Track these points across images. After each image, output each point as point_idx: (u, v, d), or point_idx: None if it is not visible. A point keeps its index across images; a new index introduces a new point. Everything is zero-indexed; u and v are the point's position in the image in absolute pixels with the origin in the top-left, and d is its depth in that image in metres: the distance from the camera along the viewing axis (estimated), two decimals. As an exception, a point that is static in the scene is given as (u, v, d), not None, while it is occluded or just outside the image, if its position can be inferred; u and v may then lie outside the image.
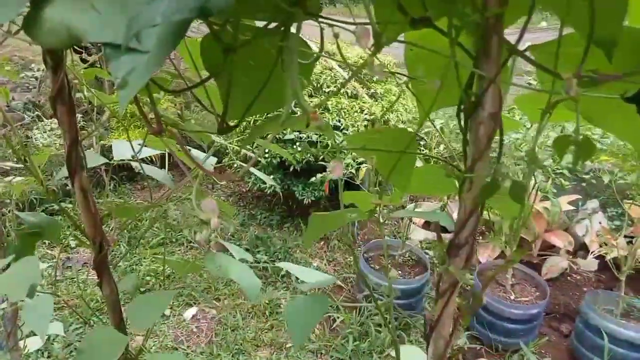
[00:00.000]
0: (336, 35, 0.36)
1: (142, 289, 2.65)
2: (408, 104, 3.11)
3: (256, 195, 3.80)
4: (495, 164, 0.40)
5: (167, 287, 2.69)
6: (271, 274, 2.89)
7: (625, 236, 2.42)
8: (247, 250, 3.13)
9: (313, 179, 2.57)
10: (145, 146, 0.77)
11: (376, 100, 2.93)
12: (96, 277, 0.75)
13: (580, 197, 2.97)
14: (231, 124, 0.57)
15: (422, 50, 0.57)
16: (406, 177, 0.65)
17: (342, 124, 2.73)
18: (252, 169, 1.15)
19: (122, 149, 0.71)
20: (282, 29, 0.43)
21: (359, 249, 2.98)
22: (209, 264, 0.85)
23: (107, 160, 0.70)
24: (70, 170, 0.67)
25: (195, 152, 0.78)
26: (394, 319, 2.43)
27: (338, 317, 2.46)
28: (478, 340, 2.41)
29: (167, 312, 2.52)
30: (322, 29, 0.47)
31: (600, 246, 2.86)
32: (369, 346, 2.28)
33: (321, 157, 2.70)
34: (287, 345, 2.33)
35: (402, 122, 2.92)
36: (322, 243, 3.22)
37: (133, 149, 0.66)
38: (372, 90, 2.91)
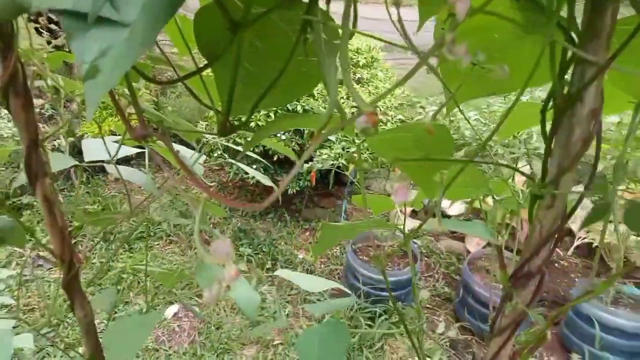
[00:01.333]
0: (397, 3, 0.26)
1: (119, 287, 2.51)
2: (395, 89, 3.00)
3: (238, 185, 3.67)
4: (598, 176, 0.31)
5: (145, 285, 2.56)
6: (255, 267, 2.79)
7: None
8: (229, 243, 3.03)
9: (299, 168, 2.45)
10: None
11: (362, 86, 2.82)
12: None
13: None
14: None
15: (463, 27, 0.48)
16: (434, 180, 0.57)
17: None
18: (239, 164, 1.04)
19: (94, 149, 0.59)
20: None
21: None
22: (199, 275, 0.74)
23: (77, 163, 0.58)
24: (31, 176, 0.54)
25: (182, 151, 0.67)
26: (383, 312, 2.37)
27: (327, 312, 2.38)
28: (469, 331, 2.37)
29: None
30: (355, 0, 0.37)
31: (588, 232, 2.86)
32: (359, 341, 2.21)
33: (306, 145, 2.59)
34: (274, 343, 2.24)
35: (389, 108, 2.82)
36: (307, 234, 3.12)
37: (109, 152, 0.54)
38: (358, 75, 2.79)
